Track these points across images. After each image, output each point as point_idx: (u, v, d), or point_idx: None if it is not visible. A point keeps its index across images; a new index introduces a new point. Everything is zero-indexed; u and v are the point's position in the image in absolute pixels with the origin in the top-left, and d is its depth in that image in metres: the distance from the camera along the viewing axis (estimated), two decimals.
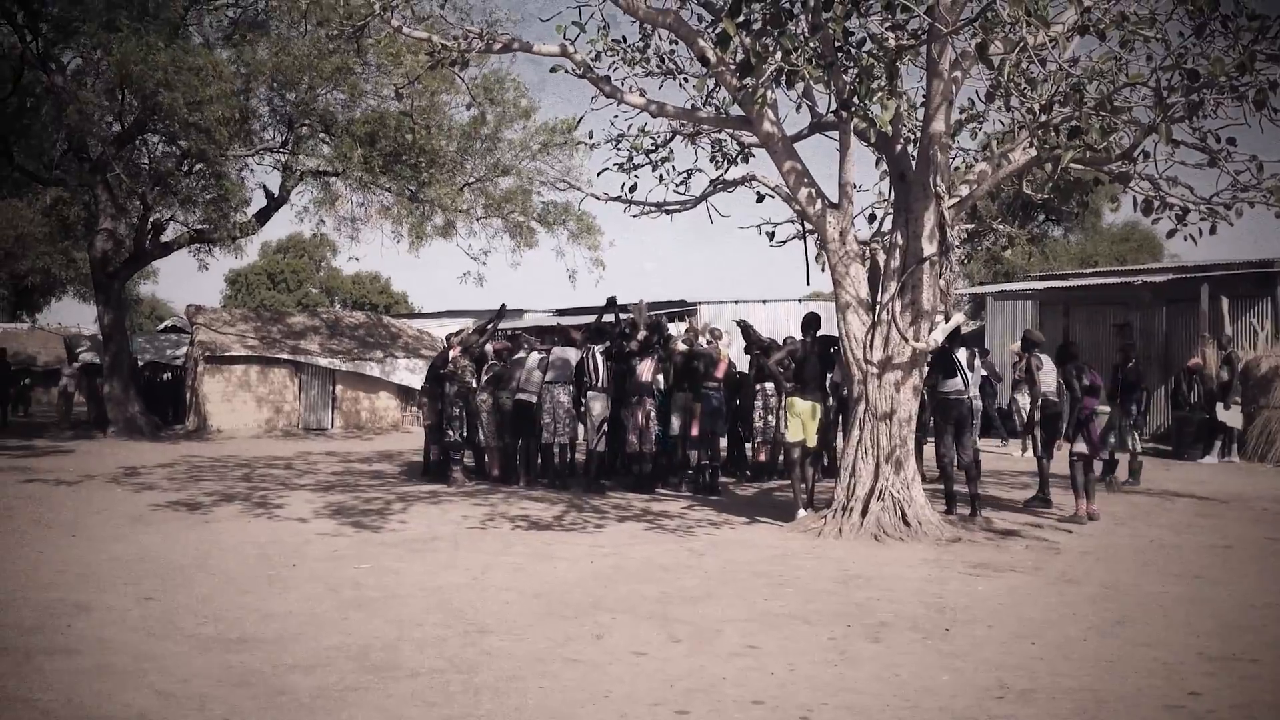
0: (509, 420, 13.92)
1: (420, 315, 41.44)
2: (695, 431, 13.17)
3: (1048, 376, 11.91)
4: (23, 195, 25.28)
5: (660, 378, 13.63)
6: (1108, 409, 11.39)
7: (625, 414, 13.26)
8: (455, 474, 13.80)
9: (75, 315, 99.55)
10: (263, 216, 23.08)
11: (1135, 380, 14.05)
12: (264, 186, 23.34)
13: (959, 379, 11.30)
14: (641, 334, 13.38)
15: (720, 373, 13.33)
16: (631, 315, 13.99)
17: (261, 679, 5.55)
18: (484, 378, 14.09)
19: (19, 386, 31.00)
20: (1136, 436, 14.07)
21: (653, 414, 13.23)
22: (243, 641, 6.30)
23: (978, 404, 13.36)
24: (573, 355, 13.75)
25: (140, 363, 26.34)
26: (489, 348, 14.41)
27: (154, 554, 9.06)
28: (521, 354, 14.10)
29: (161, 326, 39.48)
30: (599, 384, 13.37)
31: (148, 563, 8.66)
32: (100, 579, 8.03)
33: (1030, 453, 14.81)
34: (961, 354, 11.66)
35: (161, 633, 6.50)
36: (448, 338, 14.92)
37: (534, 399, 13.60)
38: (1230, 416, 17.50)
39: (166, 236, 23.47)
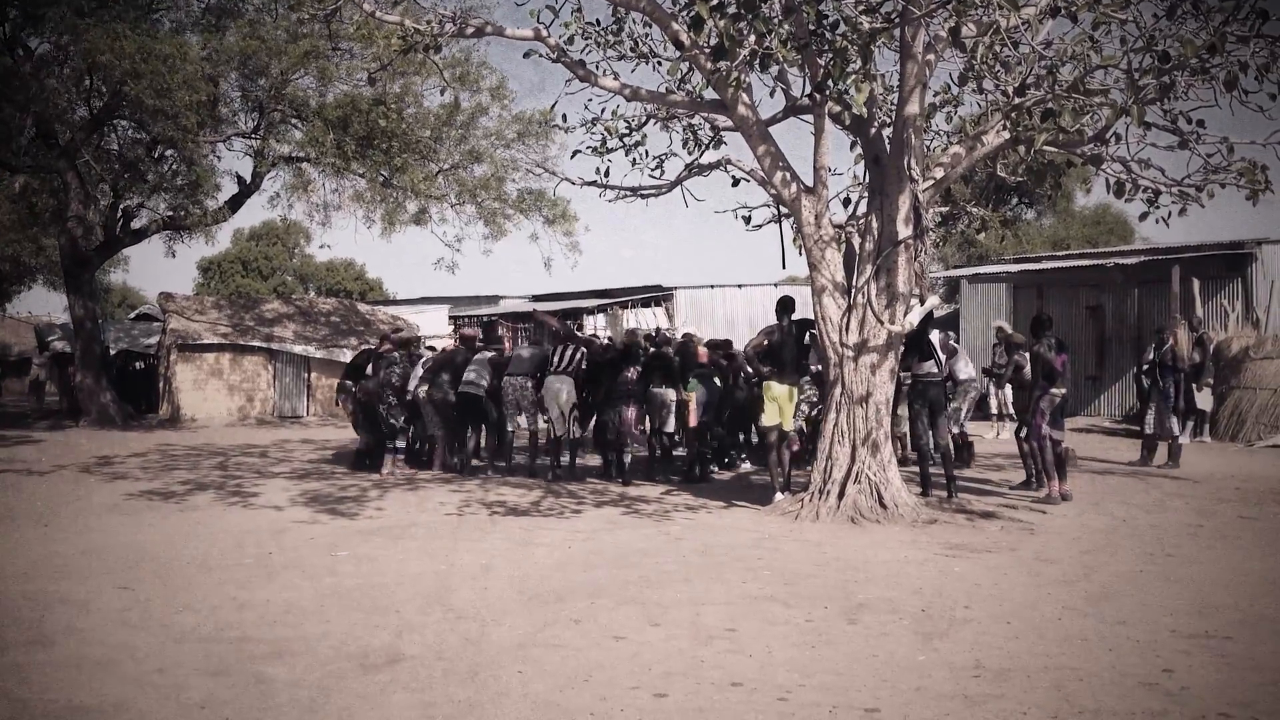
0: (453, 412, 13.78)
1: (395, 302, 41.31)
2: (694, 421, 13.06)
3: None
4: None
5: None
6: (1062, 391, 11.47)
7: (610, 414, 13.10)
8: (388, 465, 13.60)
9: (45, 304, 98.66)
10: (235, 203, 22.91)
11: (1172, 363, 14.15)
12: (236, 173, 23.18)
13: (933, 361, 11.37)
14: (620, 343, 13.50)
15: (704, 359, 13.36)
16: (609, 334, 14.09)
17: (239, 667, 5.53)
18: (419, 371, 14.02)
19: None
20: (1176, 421, 14.18)
21: (635, 414, 13.12)
22: (220, 630, 6.27)
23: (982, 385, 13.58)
24: (535, 351, 13.79)
25: (112, 351, 26.12)
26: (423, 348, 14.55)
27: (129, 544, 9.00)
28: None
29: (133, 314, 39.20)
30: (564, 368, 13.08)
31: (122, 553, 8.61)
32: (75, 569, 7.97)
33: (1002, 434, 14.94)
34: (935, 336, 11.72)
35: (137, 623, 6.46)
36: (385, 338, 14.93)
37: (480, 393, 13.46)
38: (1202, 398, 17.67)
39: (137, 223, 23.26)
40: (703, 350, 13.67)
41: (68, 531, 9.61)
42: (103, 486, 12.62)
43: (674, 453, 14.35)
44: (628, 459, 13.08)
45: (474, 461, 13.90)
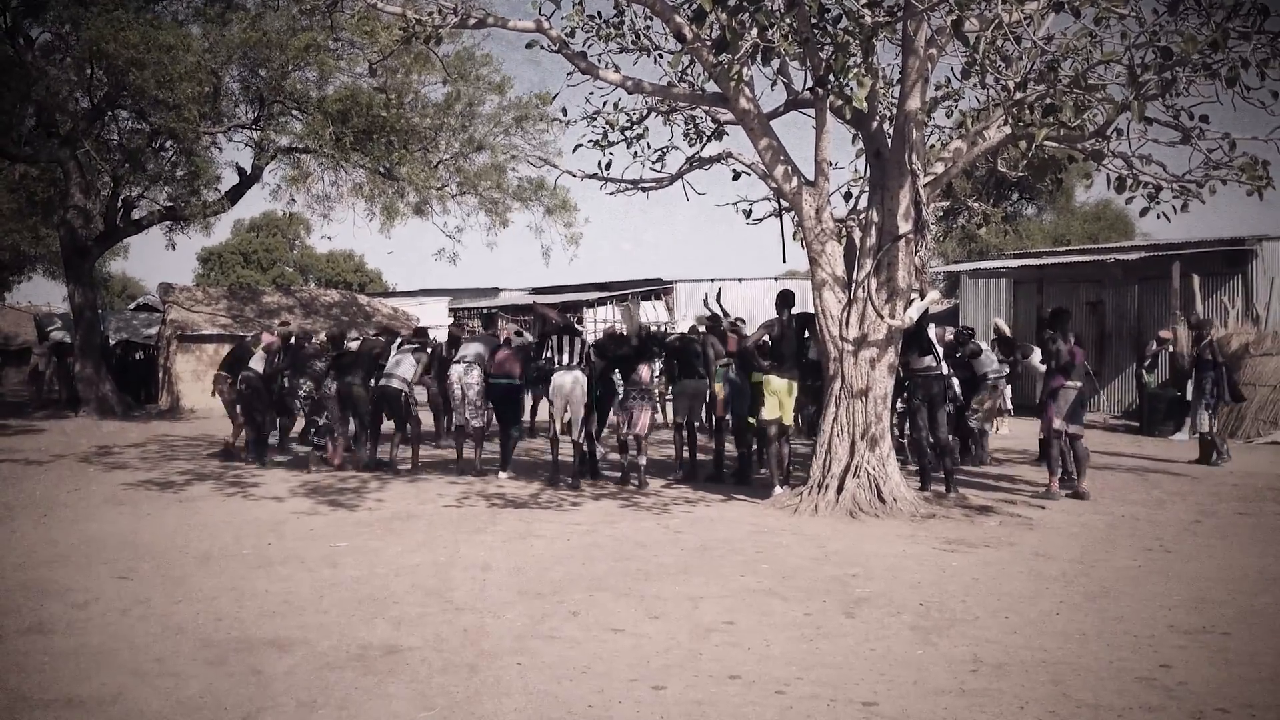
0: (357, 407, 13.34)
1: (395, 294, 41.28)
2: (720, 413, 12.54)
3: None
4: None
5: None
6: (1078, 385, 11.42)
7: (621, 415, 12.33)
8: (315, 463, 13.19)
9: (45, 293, 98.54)
10: (235, 194, 22.87)
11: (1211, 359, 14.09)
12: (236, 164, 23.14)
13: (931, 356, 11.37)
14: (634, 340, 12.66)
15: (732, 346, 12.79)
16: (622, 323, 13.54)
17: (237, 658, 5.54)
18: (320, 365, 13.56)
19: None
20: (1207, 416, 14.11)
21: (649, 418, 12.25)
22: (218, 621, 6.27)
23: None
24: (483, 346, 13.03)
25: (112, 341, 26.10)
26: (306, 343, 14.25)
27: (128, 534, 9.00)
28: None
29: (133, 305, 39.13)
30: (574, 362, 12.00)
31: (121, 543, 8.61)
32: (74, 559, 7.98)
33: (1001, 430, 14.93)
34: (932, 331, 11.69)
35: (136, 613, 6.47)
36: (288, 334, 14.59)
37: (402, 388, 13.11)
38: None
39: (137, 214, 23.23)
40: (733, 339, 12.99)
41: (66, 521, 9.61)
42: (102, 476, 12.62)
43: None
44: (643, 461, 12.13)
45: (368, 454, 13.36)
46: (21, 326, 31.43)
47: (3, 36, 19.42)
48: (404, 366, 13.29)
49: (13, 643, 5.82)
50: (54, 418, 21.26)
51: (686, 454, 12.85)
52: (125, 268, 59.97)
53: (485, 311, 19.28)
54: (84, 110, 20.52)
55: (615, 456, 13.06)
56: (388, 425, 13.78)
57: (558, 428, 12.34)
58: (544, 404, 13.39)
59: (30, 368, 26.36)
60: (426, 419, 14.91)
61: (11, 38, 19.49)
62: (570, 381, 11.96)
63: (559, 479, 12.14)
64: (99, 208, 22.70)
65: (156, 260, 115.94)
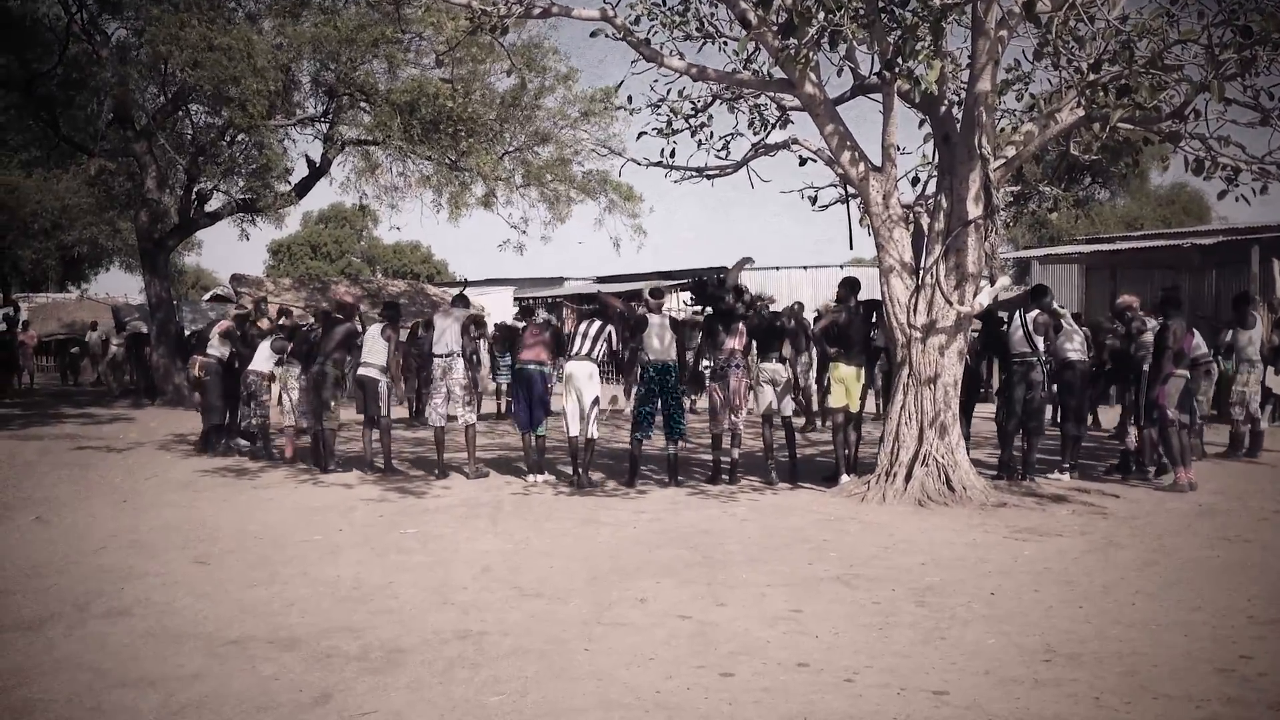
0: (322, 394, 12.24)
1: (462, 283, 41.62)
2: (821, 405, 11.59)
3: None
4: (68, 166, 25.57)
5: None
6: (1186, 374, 11.10)
7: (718, 391, 11.13)
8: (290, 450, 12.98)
9: (122, 285, 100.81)
10: (304, 186, 23.20)
11: None
12: (306, 156, 23.45)
13: (1027, 342, 11.17)
14: (747, 296, 11.53)
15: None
16: (729, 275, 12.13)
17: (310, 641, 5.62)
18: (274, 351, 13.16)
19: (69, 355, 31.51)
20: None
21: (736, 386, 11.10)
22: (290, 605, 6.38)
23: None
24: (458, 318, 12.00)
25: (187, 332, 26.65)
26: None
27: (204, 519, 9.19)
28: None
29: (207, 296, 39.93)
30: (588, 352, 11.16)
31: (198, 528, 8.80)
32: (152, 544, 8.16)
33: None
34: (1031, 315, 11.44)
35: (213, 596, 6.60)
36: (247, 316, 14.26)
37: (379, 375, 12.09)
38: (1277, 382, 17.19)
39: (210, 206, 23.68)
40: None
41: (144, 507, 9.84)
42: (178, 463, 12.89)
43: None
44: (735, 453, 11.28)
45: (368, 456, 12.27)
46: (99, 318, 32.16)
47: (80, 33, 19.89)
48: (378, 351, 12.15)
49: (94, 625, 5.97)
50: (132, 406, 21.78)
51: (786, 455, 11.47)
52: (198, 260, 61.14)
53: (553, 300, 19.28)
54: (159, 104, 20.95)
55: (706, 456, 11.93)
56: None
57: (574, 427, 11.14)
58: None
59: (108, 357, 27.03)
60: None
61: (88, 34, 19.96)
62: (583, 371, 11.09)
63: (584, 483, 11.00)
64: (174, 201, 23.17)
65: (228, 253, 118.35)
